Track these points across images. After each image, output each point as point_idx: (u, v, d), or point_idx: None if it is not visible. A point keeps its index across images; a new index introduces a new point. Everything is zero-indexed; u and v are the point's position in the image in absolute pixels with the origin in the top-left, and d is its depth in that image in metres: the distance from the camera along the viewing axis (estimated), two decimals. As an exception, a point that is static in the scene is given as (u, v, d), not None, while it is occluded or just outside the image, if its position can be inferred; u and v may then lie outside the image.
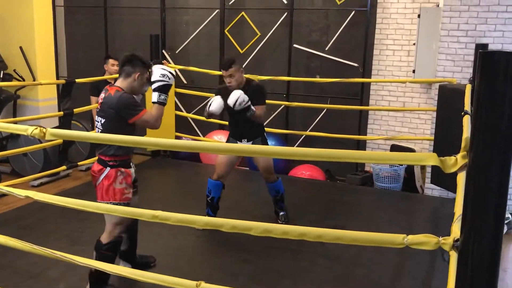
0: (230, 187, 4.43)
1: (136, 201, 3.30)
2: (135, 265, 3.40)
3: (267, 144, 4.26)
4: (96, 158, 3.10)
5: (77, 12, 7.66)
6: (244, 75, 4.15)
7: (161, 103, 3.05)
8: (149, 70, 3.13)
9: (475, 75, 4.36)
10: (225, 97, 4.03)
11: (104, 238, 3.07)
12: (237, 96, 3.83)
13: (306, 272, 3.58)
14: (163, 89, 3.03)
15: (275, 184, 4.34)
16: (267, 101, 4.21)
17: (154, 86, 3.03)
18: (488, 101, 1.35)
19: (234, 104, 3.82)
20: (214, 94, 4.19)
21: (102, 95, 3.08)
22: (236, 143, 4.19)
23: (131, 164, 3.16)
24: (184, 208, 4.12)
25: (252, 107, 3.91)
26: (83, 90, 5.83)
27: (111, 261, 2.96)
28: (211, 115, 4.05)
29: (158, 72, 3.03)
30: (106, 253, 3.01)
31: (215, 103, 3.95)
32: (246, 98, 3.85)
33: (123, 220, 3.03)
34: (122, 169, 3.05)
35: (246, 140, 4.19)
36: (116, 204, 2.92)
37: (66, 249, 2.94)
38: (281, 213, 4.43)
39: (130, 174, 3.09)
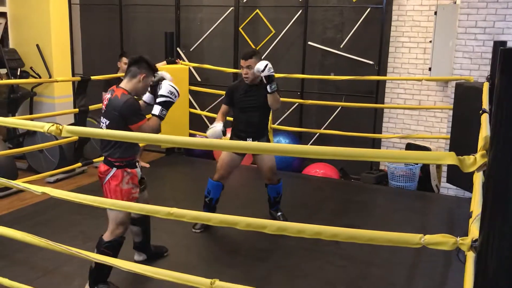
0: (243, 185, 4.44)
1: (146, 197, 3.35)
2: (150, 255, 3.55)
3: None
4: (102, 158, 3.13)
5: (93, 10, 7.72)
6: None
7: (161, 118, 3.10)
8: (155, 74, 3.20)
9: (493, 73, 4.32)
10: (236, 94, 4.02)
11: (106, 236, 3.10)
12: (265, 63, 3.76)
13: (319, 271, 3.57)
14: (166, 105, 3.10)
15: (278, 186, 4.26)
16: (283, 99, 4.20)
17: (159, 99, 3.09)
18: (508, 99, 1.32)
19: (264, 68, 3.72)
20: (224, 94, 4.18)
21: (108, 95, 3.10)
22: None
23: (137, 164, 3.19)
24: (198, 206, 4.15)
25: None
26: (98, 87, 5.87)
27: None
28: None
29: (167, 88, 3.09)
30: (105, 251, 3.03)
31: (214, 132, 3.78)
32: (272, 68, 3.78)
33: (125, 220, 3.10)
34: (128, 170, 3.08)
35: (251, 139, 4.03)
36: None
37: (81, 246, 2.96)
38: (279, 213, 4.36)
39: (136, 174, 3.13)
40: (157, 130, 3.15)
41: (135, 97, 3.16)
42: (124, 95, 3.02)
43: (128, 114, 2.98)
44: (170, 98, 3.08)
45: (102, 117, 3.11)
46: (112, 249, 3.07)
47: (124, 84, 3.12)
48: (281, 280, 3.46)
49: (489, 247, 1.36)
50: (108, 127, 3.03)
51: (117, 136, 2.44)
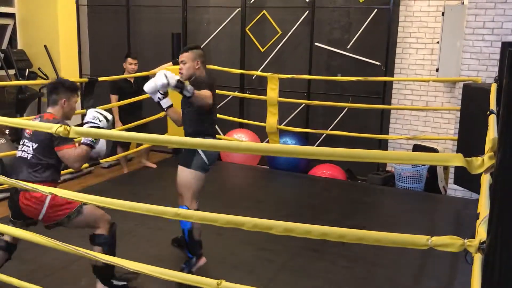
0: (250, 185, 4.43)
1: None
2: None
3: (193, 157, 3.34)
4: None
5: (100, 11, 7.75)
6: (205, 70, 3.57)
7: (90, 146, 2.92)
8: (77, 92, 3.16)
9: (501, 74, 4.29)
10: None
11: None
12: (162, 75, 3.06)
13: (325, 272, 3.56)
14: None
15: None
16: (285, 99, 4.03)
17: (85, 126, 2.92)
18: (516, 101, 1.31)
19: (168, 82, 3.04)
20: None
21: (37, 120, 3.06)
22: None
23: None
24: (204, 206, 4.14)
25: (188, 87, 3.09)
26: (105, 88, 5.90)
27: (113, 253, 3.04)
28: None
29: (90, 114, 2.95)
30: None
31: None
32: (172, 79, 3.05)
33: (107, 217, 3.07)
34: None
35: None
36: (79, 209, 2.92)
37: (88, 246, 2.98)
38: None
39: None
40: (84, 159, 2.93)
41: (67, 121, 3.01)
42: (55, 119, 2.95)
43: (56, 136, 2.59)
44: (94, 123, 2.91)
45: (26, 141, 2.99)
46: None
47: (51, 110, 3.08)
48: (287, 280, 3.46)
49: (497, 249, 1.35)
50: (35, 150, 2.92)
51: (123, 137, 2.45)
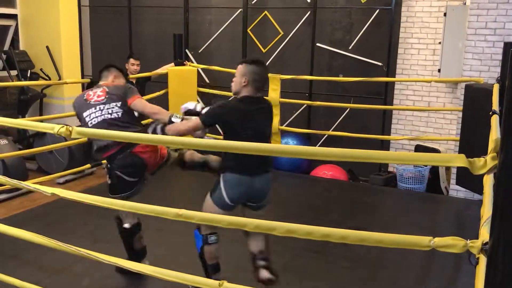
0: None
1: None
2: None
3: (216, 186, 2.97)
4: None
5: (102, 11, 7.76)
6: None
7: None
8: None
9: (503, 74, 4.28)
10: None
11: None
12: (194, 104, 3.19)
13: (327, 273, 3.56)
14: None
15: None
16: (287, 100, 4.06)
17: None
18: (519, 101, 1.31)
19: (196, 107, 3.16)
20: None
21: (99, 89, 3.31)
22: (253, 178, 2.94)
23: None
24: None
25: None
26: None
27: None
28: None
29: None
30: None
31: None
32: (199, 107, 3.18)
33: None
34: None
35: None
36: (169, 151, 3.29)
37: (90, 246, 2.97)
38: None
39: None
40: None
41: None
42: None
43: (130, 89, 3.26)
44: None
45: (102, 106, 3.16)
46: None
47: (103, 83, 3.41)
48: (289, 282, 3.45)
49: (500, 250, 1.34)
50: (121, 108, 3.16)
51: (125, 137, 2.45)
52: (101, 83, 3.41)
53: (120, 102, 3.18)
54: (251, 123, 2.89)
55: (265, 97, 3.22)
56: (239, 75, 2.95)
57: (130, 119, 3.20)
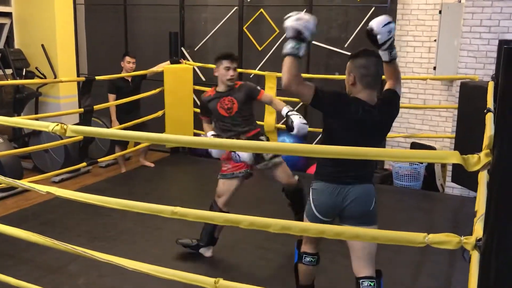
0: (249, 184, 4.42)
1: None
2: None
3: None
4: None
5: (98, 10, 7.74)
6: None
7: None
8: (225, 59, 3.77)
9: (498, 72, 4.30)
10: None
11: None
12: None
13: (323, 270, 3.56)
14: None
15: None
16: (283, 98, 4.13)
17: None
18: (512, 98, 1.31)
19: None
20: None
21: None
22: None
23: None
24: (203, 205, 4.15)
25: None
26: (103, 87, 5.89)
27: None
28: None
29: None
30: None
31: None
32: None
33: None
34: None
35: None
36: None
37: (87, 245, 2.97)
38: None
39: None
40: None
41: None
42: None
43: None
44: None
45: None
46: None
47: None
48: (284, 278, 3.46)
49: (493, 246, 1.35)
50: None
51: (120, 135, 2.45)
52: None
53: None
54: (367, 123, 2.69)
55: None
56: (347, 72, 2.72)
57: None
